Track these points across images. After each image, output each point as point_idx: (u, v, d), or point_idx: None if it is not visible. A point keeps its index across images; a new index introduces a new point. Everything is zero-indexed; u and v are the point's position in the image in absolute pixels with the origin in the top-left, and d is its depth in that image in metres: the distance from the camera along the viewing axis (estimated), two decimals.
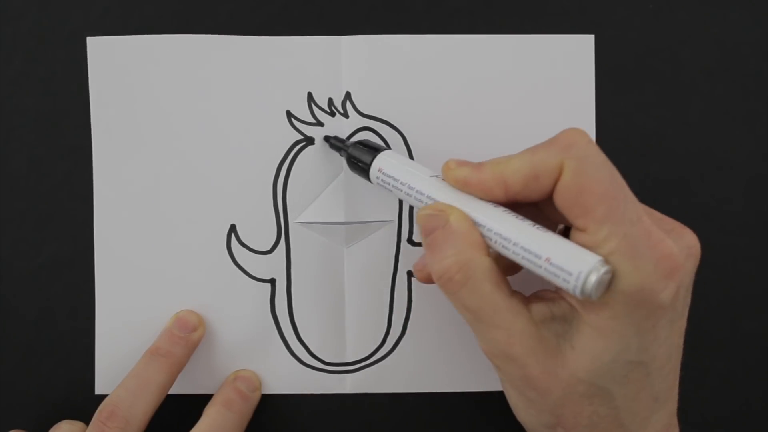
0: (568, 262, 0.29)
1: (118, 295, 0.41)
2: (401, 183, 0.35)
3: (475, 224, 0.32)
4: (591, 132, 0.40)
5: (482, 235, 0.32)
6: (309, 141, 0.40)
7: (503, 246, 0.31)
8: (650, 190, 0.41)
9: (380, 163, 0.36)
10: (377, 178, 0.36)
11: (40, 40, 0.41)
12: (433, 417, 0.41)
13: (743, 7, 0.41)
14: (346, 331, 0.41)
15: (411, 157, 0.40)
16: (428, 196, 0.33)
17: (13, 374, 0.41)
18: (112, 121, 0.40)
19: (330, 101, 0.40)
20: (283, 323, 0.41)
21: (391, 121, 0.40)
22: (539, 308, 0.32)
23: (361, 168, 0.36)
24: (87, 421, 0.37)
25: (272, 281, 0.41)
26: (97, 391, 0.41)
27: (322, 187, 0.40)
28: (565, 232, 0.33)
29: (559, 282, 0.29)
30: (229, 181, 0.40)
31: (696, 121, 0.41)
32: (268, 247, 0.41)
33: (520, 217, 0.31)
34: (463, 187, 0.33)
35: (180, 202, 0.40)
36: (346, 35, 0.40)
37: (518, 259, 0.30)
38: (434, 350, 0.41)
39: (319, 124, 0.40)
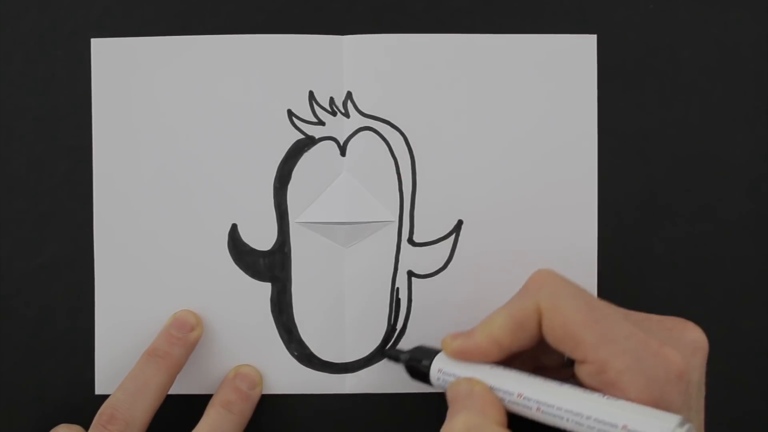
0: (647, 426, 0.29)
1: (118, 294, 0.41)
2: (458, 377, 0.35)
3: (507, 404, 0.32)
4: (593, 132, 0.41)
5: (529, 417, 0.32)
6: (310, 140, 0.40)
7: (576, 422, 0.31)
8: (650, 191, 0.41)
9: (439, 363, 0.36)
10: (438, 379, 0.36)
11: (40, 40, 0.41)
12: (433, 417, 0.41)
13: (743, 7, 0.41)
14: (346, 331, 0.41)
15: (412, 157, 0.40)
16: (492, 386, 0.33)
17: (13, 374, 0.41)
18: (113, 121, 0.41)
19: (331, 100, 0.40)
20: (283, 323, 0.41)
21: (392, 121, 0.40)
22: None
23: (421, 372, 0.36)
24: (87, 421, 0.37)
25: (273, 281, 0.41)
26: (98, 391, 0.41)
27: (322, 186, 0.40)
28: (570, 363, 0.33)
29: None
30: (231, 181, 0.40)
31: (696, 121, 0.41)
32: (269, 247, 0.41)
33: (568, 384, 0.32)
34: (463, 356, 0.34)
35: (181, 201, 0.40)
36: (347, 35, 0.40)
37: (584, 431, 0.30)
38: None
39: (321, 123, 0.40)
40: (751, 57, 0.41)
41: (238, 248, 0.41)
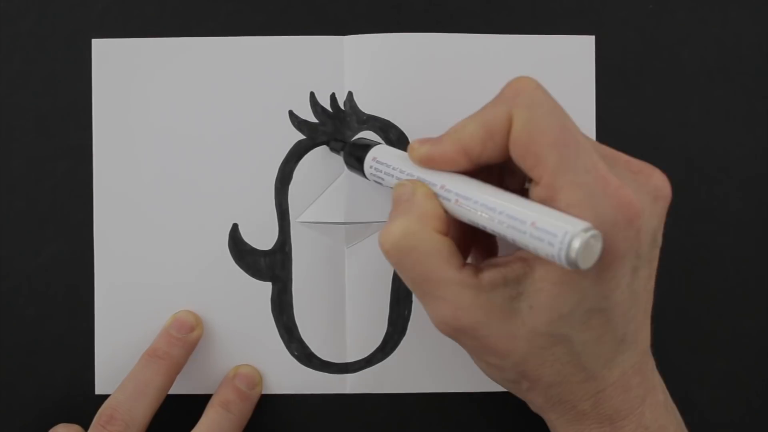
0: (553, 226, 0.28)
1: (118, 294, 0.40)
2: (393, 168, 0.34)
3: (440, 200, 0.32)
4: (591, 132, 0.41)
5: (449, 211, 0.32)
6: (312, 140, 0.40)
7: (489, 217, 0.30)
8: None
9: (375, 153, 0.36)
10: (371, 167, 0.36)
11: (40, 40, 0.41)
12: (433, 417, 0.41)
13: (743, 7, 0.41)
14: (346, 331, 0.41)
15: None
16: (418, 177, 0.33)
17: (13, 374, 0.41)
18: (113, 121, 0.41)
19: (332, 100, 0.40)
20: (283, 323, 0.41)
21: (392, 121, 0.40)
22: (491, 274, 0.31)
23: (357, 160, 0.37)
24: (87, 421, 0.37)
25: (273, 280, 0.41)
26: (97, 391, 0.41)
27: (323, 186, 0.40)
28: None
29: (543, 247, 0.28)
30: (232, 181, 0.40)
31: (696, 121, 0.41)
32: (270, 247, 0.41)
33: (502, 189, 0.31)
34: (429, 163, 0.33)
35: (181, 201, 0.40)
36: (347, 35, 0.40)
37: (502, 229, 0.30)
38: (434, 350, 0.41)
39: (322, 123, 0.40)
40: (751, 57, 0.41)
41: (238, 248, 0.41)
